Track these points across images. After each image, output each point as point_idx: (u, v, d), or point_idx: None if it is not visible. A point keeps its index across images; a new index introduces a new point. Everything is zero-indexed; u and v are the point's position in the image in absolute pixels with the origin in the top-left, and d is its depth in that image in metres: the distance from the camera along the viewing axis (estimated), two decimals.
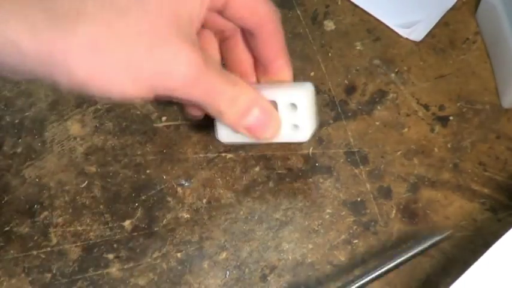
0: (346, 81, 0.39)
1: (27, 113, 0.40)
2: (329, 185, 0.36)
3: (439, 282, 0.32)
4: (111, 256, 0.35)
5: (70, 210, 0.37)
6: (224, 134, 0.33)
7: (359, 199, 0.35)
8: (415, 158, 0.36)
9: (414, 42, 0.40)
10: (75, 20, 0.23)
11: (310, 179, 0.36)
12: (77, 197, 0.37)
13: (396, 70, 0.39)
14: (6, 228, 0.36)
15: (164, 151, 0.38)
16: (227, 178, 0.37)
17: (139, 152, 0.38)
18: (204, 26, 0.32)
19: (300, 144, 0.37)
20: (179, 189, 0.37)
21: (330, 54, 0.40)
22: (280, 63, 0.32)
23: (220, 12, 0.30)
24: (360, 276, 0.31)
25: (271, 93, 0.31)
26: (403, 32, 0.40)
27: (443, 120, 0.37)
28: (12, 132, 0.40)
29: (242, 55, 0.33)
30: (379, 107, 0.38)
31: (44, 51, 0.23)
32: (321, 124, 0.38)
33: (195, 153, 0.38)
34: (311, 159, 0.37)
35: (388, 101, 0.38)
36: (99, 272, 0.35)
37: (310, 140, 0.37)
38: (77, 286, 0.34)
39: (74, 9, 0.23)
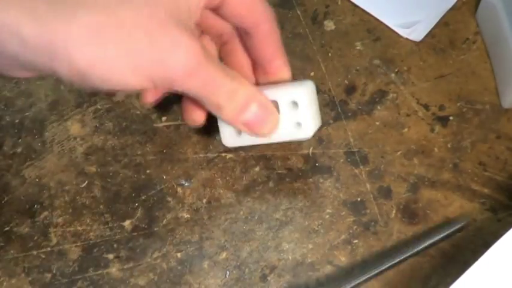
0: (346, 81, 0.39)
1: (27, 113, 0.40)
2: (329, 185, 0.36)
3: (439, 282, 0.32)
4: (111, 256, 0.35)
5: (70, 210, 0.37)
6: (229, 138, 0.33)
7: (359, 199, 0.35)
8: (415, 158, 0.36)
9: (414, 42, 0.40)
10: (75, 8, 0.23)
11: (310, 179, 0.36)
12: (77, 197, 0.37)
13: (396, 70, 0.39)
14: (6, 228, 0.36)
15: (164, 151, 0.38)
16: (227, 178, 0.37)
17: (139, 152, 0.38)
18: (202, 31, 0.32)
19: (300, 144, 0.37)
20: (179, 189, 0.37)
21: (330, 54, 0.40)
22: (278, 63, 0.32)
23: (217, 10, 0.30)
24: (377, 267, 0.31)
25: (271, 93, 0.31)
26: (403, 32, 0.40)
27: (443, 120, 0.37)
28: (12, 132, 0.40)
29: (241, 58, 0.33)
30: (379, 107, 0.38)
31: (44, 39, 0.23)
32: (321, 124, 0.38)
33: (195, 153, 0.38)
34: (311, 159, 0.37)
35: (388, 101, 0.38)
36: (99, 272, 0.35)
37: (310, 140, 0.37)
38: (77, 286, 0.34)
39: None
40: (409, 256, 0.32)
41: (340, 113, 0.38)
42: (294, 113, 0.31)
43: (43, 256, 0.35)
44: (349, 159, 0.36)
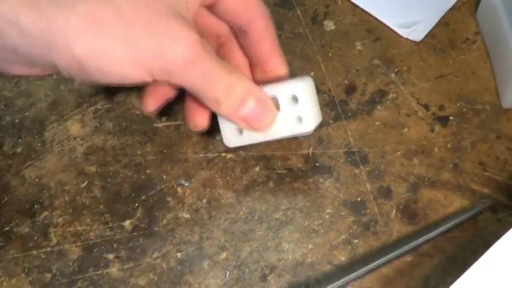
0: (346, 81, 0.39)
1: (27, 113, 0.40)
2: (329, 185, 0.36)
3: (439, 282, 0.32)
4: (111, 256, 0.35)
5: (70, 210, 0.37)
6: (231, 138, 0.33)
7: (359, 199, 0.35)
8: (415, 158, 0.36)
9: (414, 42, 0.40)
10: None
11: (310, 179, 0.36)
12: (77, 197, 0.37)
13: (396, 70, 0.39)
14: (6, 228, 0.36)
15: (164, 151, 0.38)
16: (227, 178, 0.37)
17: (139, 152, 0.38)
18: (200, 33, 0.32)
19: (300, 144, 0.37)
20: (179, 189, 0.37)
21: (330, 54, 0.40)
22: (275, 61, 0.32)
23: (213, 8, 0.30)
24: (399, 247, 0.32)
25: (271, 89, 0.31)
26: (403, 32, 0.40)
27: (443, 120, 0.37)
28: (12, 132, 0.40)
29: (238, 59, 0.33)
30: (379, 107, 0.38)
31: (43, 29, 0.23)
32: (321, 124, 0.38)
33: (195, 153, 0.38)
34: (311, 159, 0.37)
35: (388, 101, 0.38)
36: (99, 272, 0.35)
37: (310, 140, 0.37)
38: (77, 286, 0.34)
39: None
40: (409, 250, 0.32)
41: (340, 113, 0.38)
42: (295, 107, 0.31)
43: (43, 256, 0.35)
44: (349, 159, 0.36)
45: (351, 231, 0.34)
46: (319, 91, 0.38)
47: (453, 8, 0.40)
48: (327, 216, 0.35)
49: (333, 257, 0.34)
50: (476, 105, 0.37)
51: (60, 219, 0.36)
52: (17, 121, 0.40)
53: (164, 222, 0.36)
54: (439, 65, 0.39)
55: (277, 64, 0.32)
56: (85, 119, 0.40)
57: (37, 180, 0.38)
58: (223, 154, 0.37)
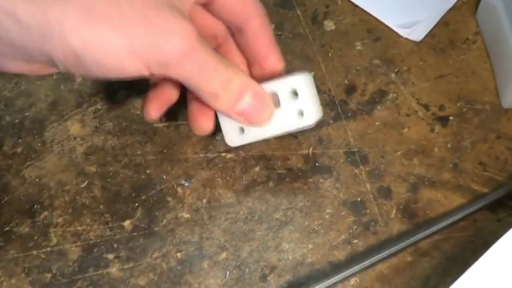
0: (346, 81, 0.39)
1: (27, 113, 0.40)
2: (329, 185, 0.36)
3: (439, 282, 0.32)
4: (111, 256, 0.35)
5: (70, 210, 0.37)
6: (232, 138, 0.33)
7: (359, 199, 0.35)
8: (415, 158, 0.36)
9: (414, 42, 0.40)
10: None
11: (310, 179, 0.36)
12: (77, 197, 0.37)
13: (396, 70, 0.39)
14: (6, 228, 0.36)
15: (164, 151, 0.38)
16: (227, 178, 0.37)
17: (139, 152, 0.38)
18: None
19: (300, 144, 0.37)
20: (179, 189, 0.37)
21: (330, 54, 0.40)
22: (273, 58, 0.32)
23: (209, 6, 0.30)
24: (397, 243, 0.32)
25: (270, 86, 0.31)
26: (403, 32, 0.40)
27: (443, 120, 0.37)
28: (12, 132, 0.40)
29: (236, 59, 0.33)
30: (379, 107, 0.38)
31: (39, 20, 0.23)
32: (321, 124, 0.38)
33: (195, 153, 0.38)
34: (311, 159, 0.37)
35: (388, 101, 0.38)
36: (99, 272, 0.35)
37: (310, 140, 0.37)
38: (77, 286, 0.34)
39: None
40: (407, 246, 0.32)
41: (340, 113, 0.38)
42: (295, 102, 0.31)
43: (43, 256, 0.35)
44: (349, 159, 0.36)
45: (351, 231, 0.34)
46: (319, 91, 0.38)
47: (453, 8, 0.40)
48: (327, 216, 0.35)
49: (333, 257, 0.34)
50: (476, 105, 0.37)
51: (60, 219, 0.36)
52: (17, 121, 0.40)
53: (164, 222, 0.36)
54: (439, 65, 0.39)
55: (274, 61, 0.32)
56: (85, 119, 0.40)
57: (37, 180, 0.38)
58: (223, 154, 0.37)
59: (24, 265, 0.35)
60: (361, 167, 0.36)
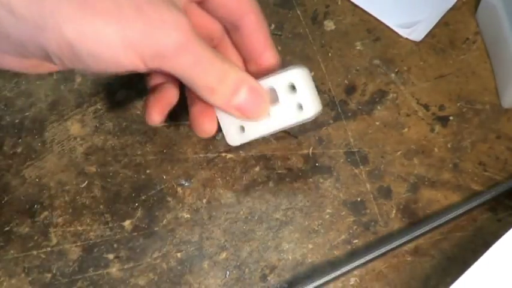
0: (346, 81, 0.39)
1: (27, 113, 0.40)
2: (329, 185, 0.36)
3: (439, 282, 0.32)
4: (111, 256, 0.35)
5: (70, 210, 0.37)
6: (234, 137, 0.33)
7: (359, 199, 0.35)
8: (415, 158, 0.36)
9: (414, 42, 0.40)
10: None
11: (310, 179, 0.36)
12: (77, 197, 0.37)
13: (396, 70, 0.39)
14: (6, 228, 0.36)
15: (164, 151, 0.38)
16: (227, 178, 0.37)
17: (139, 152, 0.38)
18: None
19: (300, 144, 0.37)
20: (179, 189, 0.37)
21: (330, 54, 0.40)
22: (269, 55, 0.32)
23: (205, 3, 0.30)
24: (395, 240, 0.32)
25: (267, 81, 0.31)
26: (403, 32, 0.40)
27: (443, 120, 0.37)
28: (12, 132, 0.40)
29: (232, 57, 0.33)
30: (379, 107, 0.38)
31: (34, 12, 0.23)
32: (321, 124, 0.38)
33: (195, 153, 0.38)
34: (311, 159, 0.37)
35: (388, 101, 0.38)
36: (99, 272, 0.35)
37: (310, 140, 0.37)
38: (77, 286, 0.34)
39: None
40: (405, 243, 0.33)
41: (340, 113, 0.38)
42: (293, 96, 0.31)
43: (43, 256, 0.35)
44: (349, 159, 0.36)
45: (351, 231, 0.34)
46: (319, 91, 0.38)
47: (453, 8, 0.40)
48: (327, 216, 0.35)
49: (333, 257, 0.34)
50: (476, 105, 0.37)
51: (60, 219, 0.36)
52: (17, 121, 0.40)
53: (164, 222, 0.36)
54: (439, 65, 0.39)
55: (270, 56, 0.32)
56: (85, 119, 0.40)
57: (37, 180, 0.38)
58: (223, 154, 0.37)
59: (24, 265, 0.35)
60: (361, 167, 0.36)
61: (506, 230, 0.27)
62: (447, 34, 0.40)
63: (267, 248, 0.34)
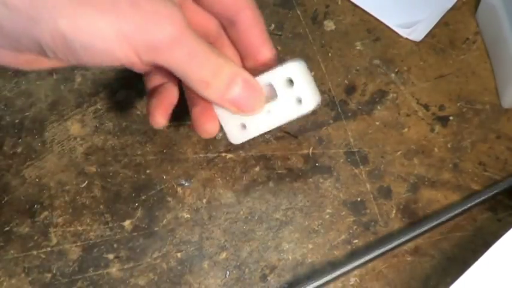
0: (346, 81, 0.39)
1: (27, 113, 0.40)
2: (329, 185, 0.36)
3: (439, 282, 0.32)
4: (111, 256, 0.35)
5: (70, 210, 0.37)
6: (236, 135, 0.33)
7: (359, 199, 0.35)
8: (415, 158, 0.36)
9: (414, 42, 0.40)
10: None
11: (310, 179, 0.36)
12: (77, 197, 0.37)
13: (396, 70, 0.39)
14: (6, 228, 0.36)
15: (164, 151, 0.38)
16: (227, 178, 0.37)
17: (139, 152, 0.38)
18: None
19: (300, 144, 0.37)
20: (179, 189, 0.37)
21: (330, 54, 0.40)
22: (265, 50, 0.32)
23: (200, 0, 0.30)
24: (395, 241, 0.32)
25: (264, 78, 0.31)
26: (403, 32, 0.40)
27: (443, 120, 0.37)
28: (12, 132, 0.40)
29: (229, 54, 0.33)
30: (379, 107, 0.38)
31: (28, 4, 0.23)
32: (321, 124, 0.38)
33: (195, 153, 0.38)
34: (311, 159, 0.37)
35: (388, 101, 0.38)
36: (99, 272, 0.35)
37: (310, 140, 0.37)
38: (77, 286, 0.34)
39: None
40: (404, 243, 0.33)
41: (340, 113, 0.38)
42: (292, 90, 0.31)
43: (43, 256, 0.35)
44: (349, 159, 0.36)
45: (351, 231, 0.34)
46: (319, 91, 0.38)
47: (453, 8, 0.40)
48: (327, 216, 0.35)
49: (333, 257, 0.34)
50: (476, 105, 0.37)
51: (60, 219, 0.36)
52: (17, 121, 0.40)
53: (164, 222, 0.36)
54: (439, 65, 0.39)
55: (267, 51, 0.32)
56: (85, 119, 0.40)
57: (37, 180, 0.38)
58: (223, 154, 0.37)
59: (24, 265, 0.35)
60: (361, 167, 0.36)
61: (506, 230, 0.27)
62: (447, 34, 0.40)
63: (267, 248, 0.34)
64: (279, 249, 0.34)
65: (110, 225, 0.36)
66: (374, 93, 0.38)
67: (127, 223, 0.36)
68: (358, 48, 0.40)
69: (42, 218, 0.37)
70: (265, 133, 0.35)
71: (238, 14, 0.31)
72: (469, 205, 0.33)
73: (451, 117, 0.37)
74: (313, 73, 0.39)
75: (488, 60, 0.38)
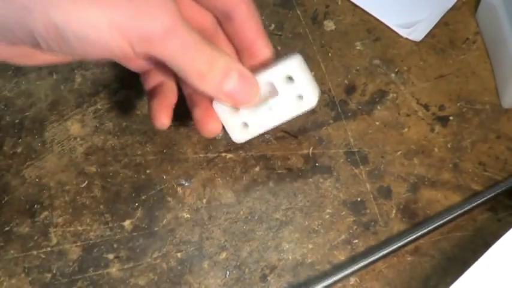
0: (346, 81, 0.39)
1: (27, 113, 0.40)
2: (329, 185, 0.36)
3: (439, 282, 0.32)
4: (111, 256, 0.35)
5: (70, 210, 0.37)
6: (238, 134, 0.33)
7: (359, 199, 0.35)
8: (415, 158, 0.36)
9: (414, 42, 0.40)
10: None
11: (310, 179, 0.36)
12: (77, 197, 0.37)
13: (396, 70, 0.39)
14: (6, 228, 0.36)
15: (164, 151, 0.38)
16: (227, 178, 0.37)
17: (139, 152, 0.38)
18: None
19: (300, 144, 0.37)
20: (179, 189, 0.37)
21: (330, 54, 0.40)
22: (261, 44, 0.32)
23: None
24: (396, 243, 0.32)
25: (264, 76, 0.31)
26: (403, 32, 0.40)
27: (443, 120, 0.37)
28: (12, 132, 0.40)
29: (226, 49, 0.33)
30: (379, 107, 0.38)
31: None
32: (321, 124, 0.38)
33: (195, 153, 0.38)
34: (311, 159, 0.37)
35: (388, 101, 0.38)
36: (99, 272, 0.35)
37: (310, 140, 0.37)
38: (77, 286, 0.34)
39: None
40: (405, 245, 0.33)
41: (340, 113, 0.38)
42: (292, 87, 0.31)
43: (43, 256, 0.35)
44: (349, 159, 0.36)
45: (351, 231, 0.34)
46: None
47: (453, 8, 0.40)
48: (327, 216, 0.35)
49: (333, 257, 0.34)
50: (476, 105, 0.37)
51: (60, 219, 0.36)
52: (17, 121, 0.40)
53: (164, 222, 0.36)
54: (439, 65, 0.39)
55: (263, 46, 0.32)
56: (85, 119, 0.40)
57: (37, 180, 0.38)
58: (223, 154, 0.37)
59: (24, 265, 0.35)
60: (361, 167, 0.36)
61: (506, 230, 0.27)
62: (447, 34, 0.40)
63: (267, 248, 0.34)
64: (279, 249, 0.34)
65: (110, 225, 0.36)
66: (374, 93, 0.38)
67: (127, 223, 0.36)
68: (358, 48, 0.40)
69: (42, 218, 0.37)
70: (266, 133, 0.35)
71: (233, 8, 0.31)
72: (469, 206, 0.33)
73: (451, 117, 0.37)
74: (313, 73, 0.39)
75: (488, 60, 0.38)
